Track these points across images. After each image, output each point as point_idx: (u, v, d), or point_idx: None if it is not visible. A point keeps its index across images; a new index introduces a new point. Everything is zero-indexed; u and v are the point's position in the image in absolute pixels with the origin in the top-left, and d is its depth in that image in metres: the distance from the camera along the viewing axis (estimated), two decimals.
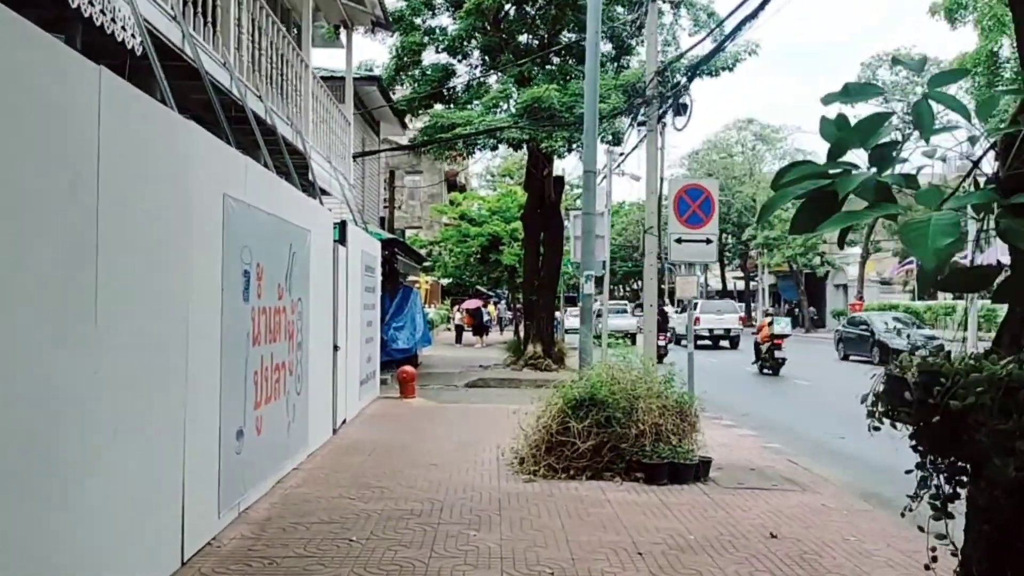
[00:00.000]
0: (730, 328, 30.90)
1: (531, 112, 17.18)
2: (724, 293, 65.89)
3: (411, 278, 41.52)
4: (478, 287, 47.58)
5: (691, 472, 7.64)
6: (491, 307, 47.48)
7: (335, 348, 9.82)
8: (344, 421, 10.64)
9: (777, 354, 19.34)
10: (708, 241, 10.86)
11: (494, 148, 17.54)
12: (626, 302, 52.98)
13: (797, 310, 62.64)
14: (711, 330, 29.76)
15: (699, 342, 27.26)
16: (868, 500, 7.25)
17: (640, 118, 14.84)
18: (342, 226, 10.74)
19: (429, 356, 23.94)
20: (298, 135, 9.91)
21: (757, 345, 20.24)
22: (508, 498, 6.93)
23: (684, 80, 12.39)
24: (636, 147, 16.37)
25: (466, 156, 17.74)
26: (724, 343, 30.10)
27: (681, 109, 12.43)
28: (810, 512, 6.71)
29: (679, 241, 10.78)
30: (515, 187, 36.08)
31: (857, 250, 53.74)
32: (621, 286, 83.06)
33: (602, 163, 16.59)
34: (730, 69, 17.54)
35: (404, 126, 21.59)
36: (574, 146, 17.30)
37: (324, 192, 12.68)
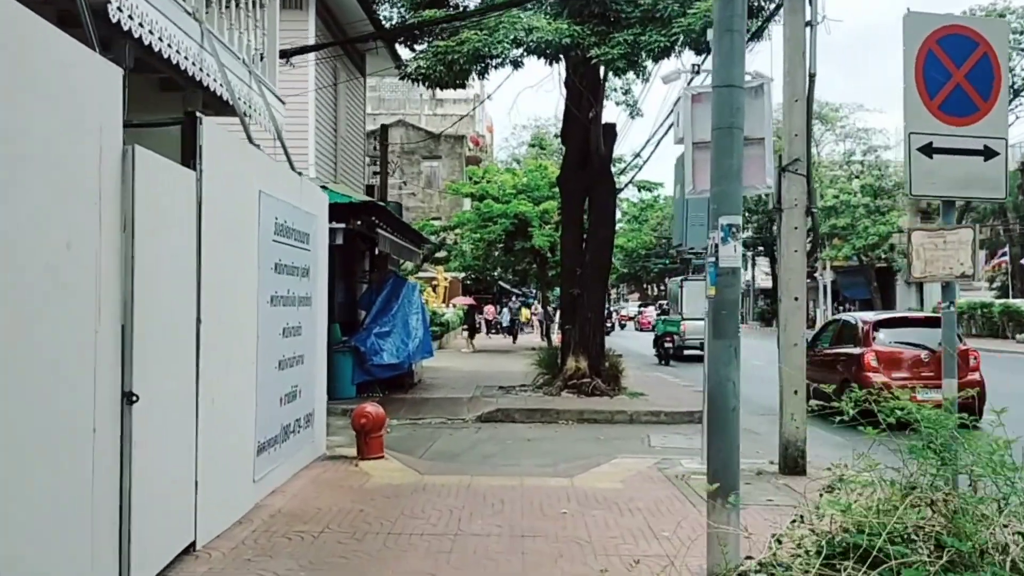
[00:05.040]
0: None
1: (574, 10, 11.33)
2: (776, 291, 59.00)
3: (426, 273, 35.83)
4: (500, 282, 41.81)
5: None
6: (524, 310, 41.95)
7: (128, 399, 4.02)
8: (189, 550, 4.85)
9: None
10: (988, 153, 4.92)
11: (516, 64, 11.66)
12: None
13: (851, 309, 55.88)
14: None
15: (687, 352, 23.14)
16: None
17: None
18: (189, 125, 4.95)
19: (437, 369, 18.13)
20: None
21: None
22: None
23: None
24: (766, 24, 10.27)
25: (478, 75, 11.86)
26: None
27: None
28: None
29: (928, 151, 4.85)
30: (546, 161, 30.23)
31: None
32: (655, 285, 76.00)
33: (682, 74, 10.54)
34: None
35: (397, 59, 15.82)
36: (640, 60, 11.38)
37: (219, 105, 6.96)
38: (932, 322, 11.40)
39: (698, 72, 9.35)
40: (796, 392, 7.73)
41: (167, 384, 4.48)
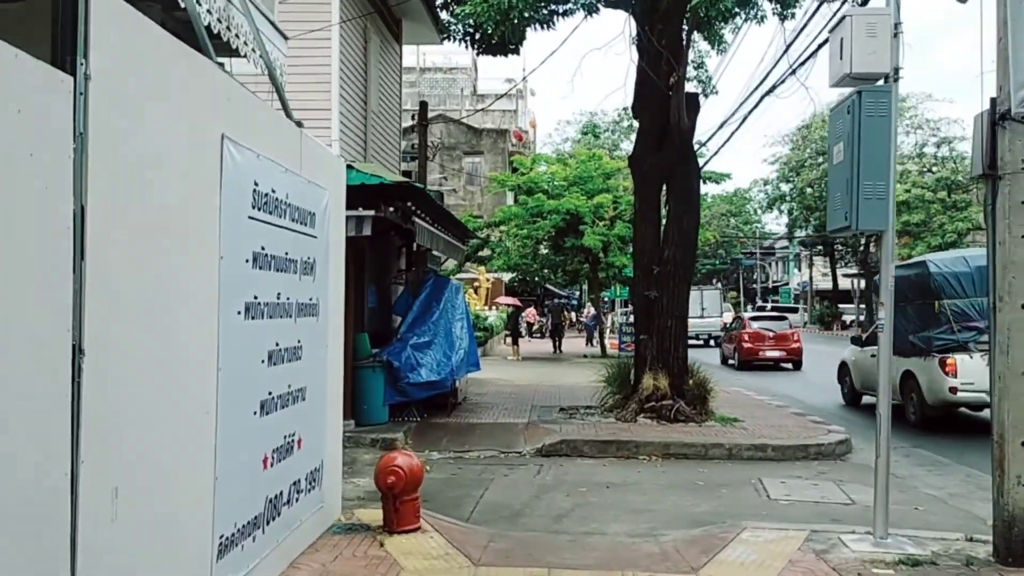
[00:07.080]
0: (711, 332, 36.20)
1: None
2: (836, 293, 55.61)
3: (467, 274, 33.51)
4: (547, 285, 39.39)
5: None
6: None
7: None
8: None
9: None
10: None
11: (590, 9, 9.28)
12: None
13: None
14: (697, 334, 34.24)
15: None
16: None
17: None
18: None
19: (482, 382, 15.82)
20: None
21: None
22: None
23: None
24: None
25: (541, 25, 9.49)
26: (711, 343, 33.64)
27: None
28: None
29: None
30: (599, 150, 27.76)
31: None
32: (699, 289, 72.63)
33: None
34: None
35: (437, 21, 13.54)
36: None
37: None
38: (779, 317, 24.27)
39: None
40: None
41: None
